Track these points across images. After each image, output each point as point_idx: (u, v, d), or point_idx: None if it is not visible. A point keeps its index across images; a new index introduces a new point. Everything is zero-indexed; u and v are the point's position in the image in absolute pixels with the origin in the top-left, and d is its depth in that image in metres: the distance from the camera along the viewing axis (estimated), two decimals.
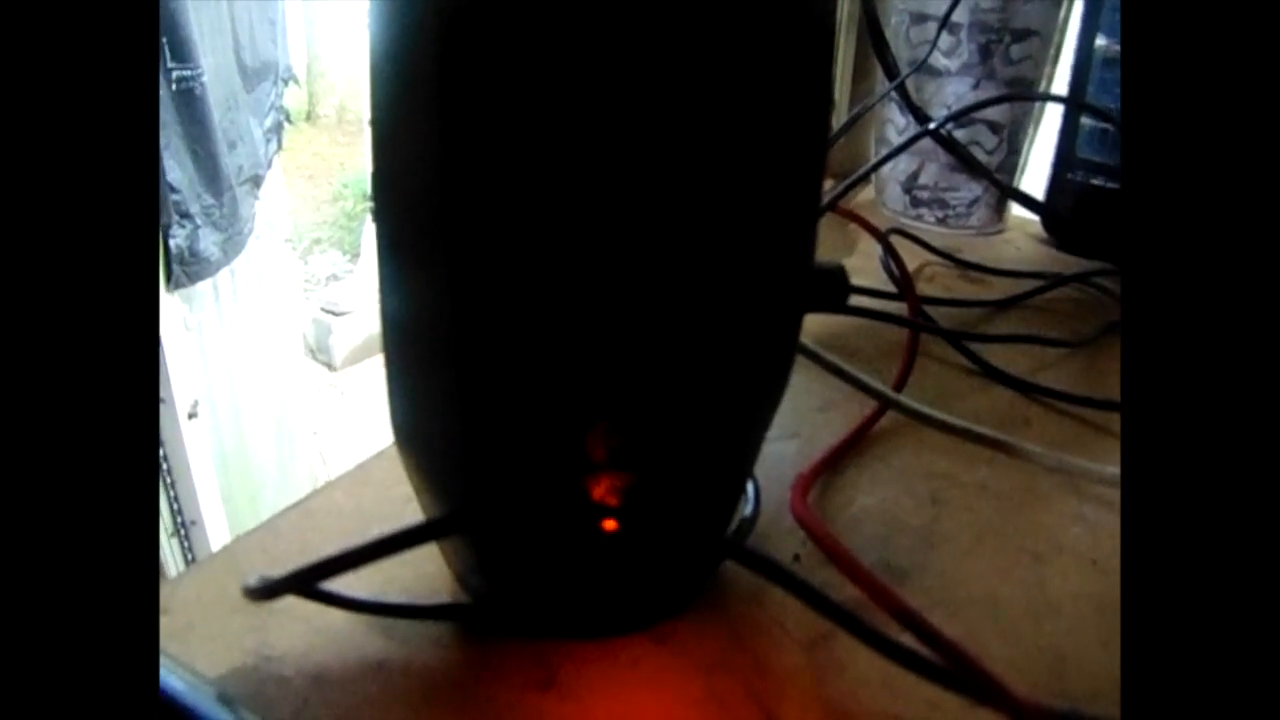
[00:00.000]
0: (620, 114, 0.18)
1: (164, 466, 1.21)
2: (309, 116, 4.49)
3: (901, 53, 0.60)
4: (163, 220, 1.16)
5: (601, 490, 0.21)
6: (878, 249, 0.48)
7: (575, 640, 0.25)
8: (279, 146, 1.60)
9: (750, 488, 0.30)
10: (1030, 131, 0.62)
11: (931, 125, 0.57)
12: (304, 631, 0.25)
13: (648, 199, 0.19)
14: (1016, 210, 0.64)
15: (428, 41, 0.18)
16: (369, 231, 3.25)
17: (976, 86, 0.58)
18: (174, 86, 1.16)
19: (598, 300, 0.19)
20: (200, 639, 0.24)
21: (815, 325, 0.44)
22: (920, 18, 0.59)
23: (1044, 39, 0.57)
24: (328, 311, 2.86)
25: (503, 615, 0.25)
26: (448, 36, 0.18)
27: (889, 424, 0.37)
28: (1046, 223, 0.62)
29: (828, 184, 0.56)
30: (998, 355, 0.42)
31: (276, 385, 1.63)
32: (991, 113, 0.59)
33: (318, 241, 3.69)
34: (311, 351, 2.81)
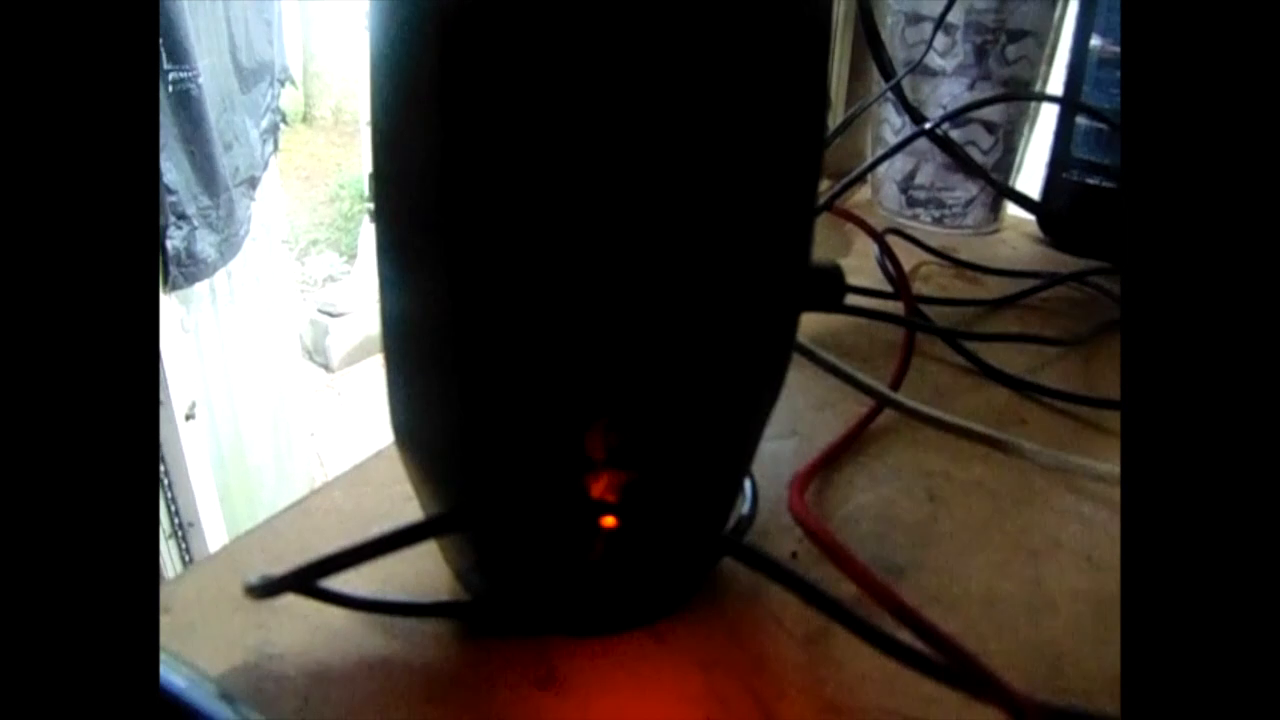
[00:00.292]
0: (618, 114, 0.18)
1: (161, 468, 1.21)
2: (305, 118, 4.48)
3: (897, 53, 0.60)
4: (159, 222, 1.16)
5: (600, 488, 0.22)
6: (874, 248, 0.48)
7: (574, 638, 0.25)
8: (275, 148, 1.59)
9: (748, 485, 0.30)
10: (1026, 131, 0.62)
11: (927, 125, 0.57)
12: (304, 629, 0.25)
13: (646, 198, 0.19)
14: (1012, 210, 0.64)
15: (428, 42, 0.18)
16: (366, 232, 3.25)
17: (972, 87, 0.58)
18: (170, 88, 1.16)
19: (597, 299, 0.19)
20: (201, 637, 0.24)
21: (812, 324, 0.44)
22: (915, 18, 0.59)
23: (1039, 39, 0.58)
24: (325, 313, 2.86)
25: (502, 613, 0.25)
26: (448, 36, 0.18)
27: (886, 422, 0.37)
28: (1042, 222, 0.62)
29: (824, 184, 0.56)
30: (994, 354, 0.43)
31: (273, 387, 1.63)
32: (987, 113, 0.59)
33: (314, 243, 3.68)
34: (308, 353, 2.81)
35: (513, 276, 0.19)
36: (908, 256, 0.55)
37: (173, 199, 1.18)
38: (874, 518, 0.31)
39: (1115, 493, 0.33)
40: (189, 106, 1.20)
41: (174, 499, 1.25)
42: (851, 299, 0.39)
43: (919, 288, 0.52)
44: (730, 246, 0.20)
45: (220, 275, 1.36)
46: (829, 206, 0.51)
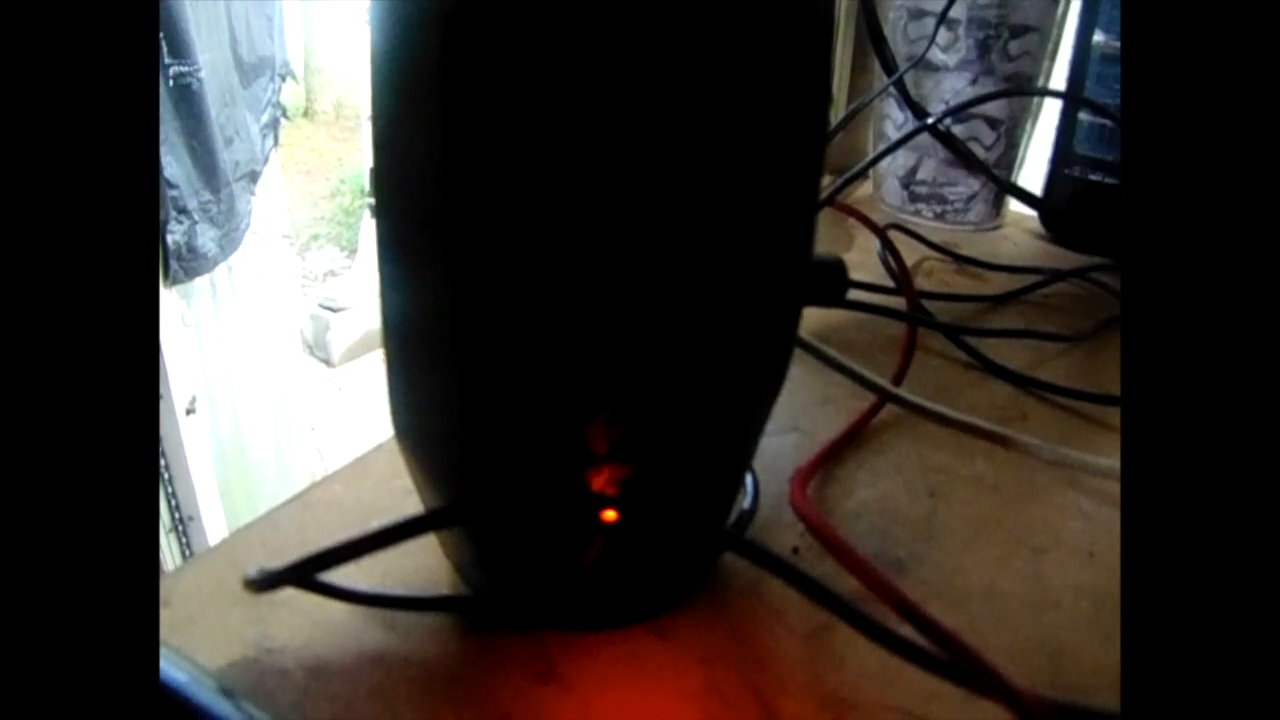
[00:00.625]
0: (620, 109, 0.18)
1: (162, 462, 1.21)
2: (306, 112, 4.48)
3: (899, 48, 0.60)
4: (160, 216, 1.16)
5: (601, 482, 0.22)
6: (876, 244, 0.48)
7: (574, 632, 0.25)
8: (276, 142, 1.59)
9: (749, 480, 0.30)
10: (1028, 127, 0.62)
11: (930, 121, 0.57)
12: (304, 623, 0.25)
13: (648, 193, 0.19)
14: (1014, 205, 0.64)
15: (429, 37, 0.18)
16: (367, 227, 3.24)
17: (974, 82, 0.58)
18: (171, 82, 1.15)
19: (598, 293, 0.19)
20: (201, 631, 0.24)
21: (814, 319, 0.44)
22: (918, 13, 0.59)
23: (1042, 34, 0.57)
24: (325, 307, 2.86)
25: (502, 607, 0.25)
26: (449, 32, 0.18)
27: (887, 418, 0.37)
28: (1044, 218, 0.62)
29: (826, 179, 0.56)
30: (995, 350, 0.43)
31: (274, 381, 1.63)
32: (990, 108, 0.59)
33: (315, 237, 3.68)
34: (309, 347, 2.81)
35: (514, 271, 0.19)
36: (910, 252, 0.55)
37: (173, 193, 1.18)
38: (876, 513, 0.31)
39: (1117, 488, 0.33)
40: (190, 101, 1.20)
41: (174, 493, 1.25)
42: (853, 294, 0.39)
43: (921, 283, 0.52)
44: (732, 241, 0.20)
45: (221, 270, 1.36)
46: (831, 201, 0.51)
